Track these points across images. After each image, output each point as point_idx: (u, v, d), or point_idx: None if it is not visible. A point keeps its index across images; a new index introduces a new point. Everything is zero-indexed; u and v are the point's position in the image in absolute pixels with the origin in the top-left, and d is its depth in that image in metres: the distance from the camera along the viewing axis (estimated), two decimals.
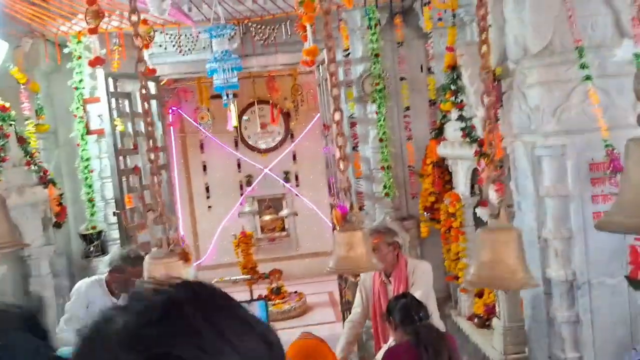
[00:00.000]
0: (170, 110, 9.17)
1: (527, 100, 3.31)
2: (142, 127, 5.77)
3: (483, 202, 4.31)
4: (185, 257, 2.24)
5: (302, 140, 10.00)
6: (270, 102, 9.45)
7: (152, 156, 2.56)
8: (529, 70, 3.28)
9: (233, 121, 7.75)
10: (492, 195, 2.75)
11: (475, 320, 4.81)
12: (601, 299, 3.18)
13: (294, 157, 10.09)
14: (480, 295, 4.91)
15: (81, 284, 4.20)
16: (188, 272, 2.24)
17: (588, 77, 3.03)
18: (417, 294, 3.68)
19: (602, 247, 3.13)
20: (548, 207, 3.28)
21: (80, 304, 4.04)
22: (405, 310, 3.35)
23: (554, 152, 3.22)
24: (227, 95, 5.42)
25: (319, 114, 7.10)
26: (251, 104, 9.61)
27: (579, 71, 3.06)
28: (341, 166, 2.72)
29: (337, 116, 2.82)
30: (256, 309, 4.62)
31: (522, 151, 3.41)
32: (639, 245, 2.89)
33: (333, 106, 2.83)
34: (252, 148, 9.99)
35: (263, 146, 9.92)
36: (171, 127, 9.21)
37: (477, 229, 3.44)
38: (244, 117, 9.78)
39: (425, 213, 5.51)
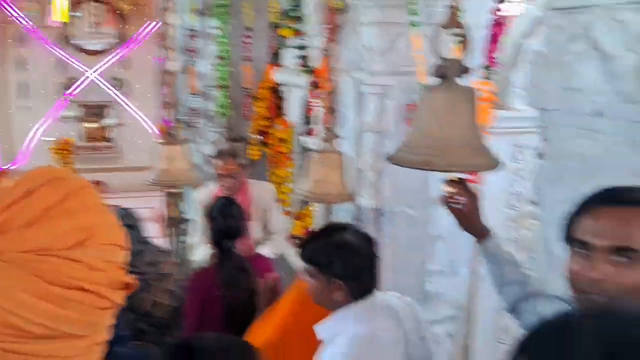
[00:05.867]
0: None
1: (360, 37, 3.45)
2: None
3: (310, 131, 4.56)
4: None
5: (136, 46, 9.47)
6: (105, 0, 8.81)
7: None
8: (366, 9, 3.40)
9: (59, 15, 7.10)
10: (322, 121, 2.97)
11: (295, 240, 4.83)
12: (401, 227, 3.53)
13: (126, 64, 9.56)
14: (299, 217, 5.05)
15: None
16: None
17: (414, 24, 3.21)
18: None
19: (408, 182, 3.43)
20: (366, 141, 3.51)
21: None
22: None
23: (377, 91, 3.42)
24: None
25: (158, 22, 6.80)
26: (84, 0, 8.89)
27: (408, 16, 3.21)
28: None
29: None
30: None
31: (350, 86, 3.57)
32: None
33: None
34: (81, 49, 9.29)
35: (93, 48, 9.27)
36: None
37: (304, 156, 3.69)
38: (76, 13, 8.95)
39: (256, 136, 5.56)
